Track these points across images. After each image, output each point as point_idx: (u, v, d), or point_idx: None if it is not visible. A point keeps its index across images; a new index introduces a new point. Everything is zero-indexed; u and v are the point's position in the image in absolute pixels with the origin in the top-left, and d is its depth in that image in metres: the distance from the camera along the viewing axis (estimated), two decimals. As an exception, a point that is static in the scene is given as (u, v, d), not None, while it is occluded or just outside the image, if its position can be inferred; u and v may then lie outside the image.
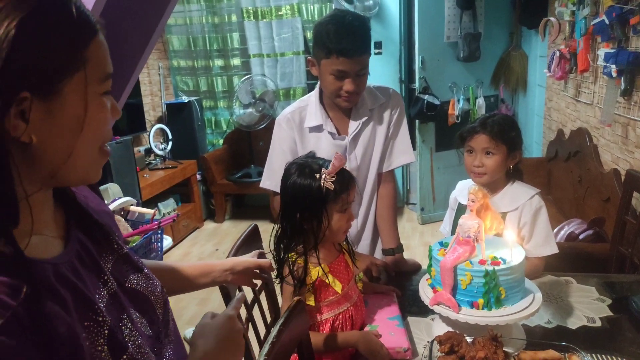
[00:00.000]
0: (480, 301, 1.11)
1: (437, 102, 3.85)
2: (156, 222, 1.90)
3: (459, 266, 1.12)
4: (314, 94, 1.63)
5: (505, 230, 1.19)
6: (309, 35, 4.43)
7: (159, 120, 4.71)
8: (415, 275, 1.60)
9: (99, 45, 0.61)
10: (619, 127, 2.16)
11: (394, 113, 1.65)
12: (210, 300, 3.04)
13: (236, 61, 4.67)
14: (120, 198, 2.00)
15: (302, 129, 1.60)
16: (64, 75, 0.57)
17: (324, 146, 1.58)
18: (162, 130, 4.48)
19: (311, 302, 1.16)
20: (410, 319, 1.34)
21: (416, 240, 3.90)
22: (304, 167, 1.15)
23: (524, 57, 4.00)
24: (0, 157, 0.53)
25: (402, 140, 1.67)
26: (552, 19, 2.92)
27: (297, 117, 1.61)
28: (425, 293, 1.21)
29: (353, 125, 1.59)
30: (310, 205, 1.13)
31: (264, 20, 4.48)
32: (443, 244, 1.24)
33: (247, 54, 4.61)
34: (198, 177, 4.46)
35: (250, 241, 1.52)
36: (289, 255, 1.16)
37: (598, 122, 2.49)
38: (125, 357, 0.63)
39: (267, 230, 1.27)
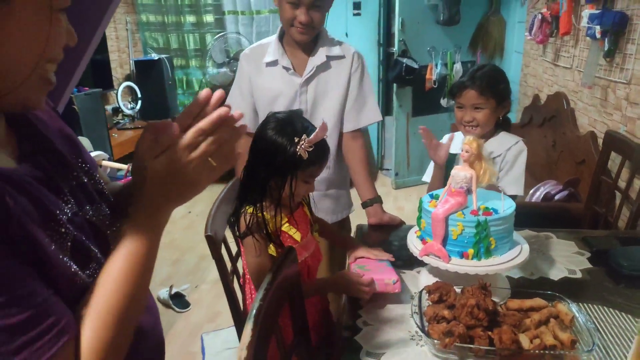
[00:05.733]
0: (471, 251, 1.11)
1: (415, 65, 3.82)
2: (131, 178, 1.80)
3: (450, 217, 1.11)
4: (277, 33, 1.64)
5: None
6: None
7: (127, 78, 4.50)
8: (396, 231, 1.59)
9: None
10: (599, 90, 2.18)
11: (355, 71, 1.62)
12: (184, 262, 2.97)
13: (209, 18, 4.47)
14: (90, 152, 1.88)
15: (259, 65, 1.61)
16: None
17: (278, 82, 1.58)
18: (130, 88, 4.29)
19: (272, 251, 1.15)
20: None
21: (390, 205, 3.93)
22: (286, 124, 1.09)
23: (502, 22, 4.00)
24: None
25: (369, 99, 1.66)
26: (534, -19, 2.89)
27: (256, 54, 1.62)
28: (415, 245, 1.20)
29: (308, 66, 1.59)
30: (279, 166, 1.08)
31: (239, -25, 4.28)
32: (434, 196, 1.22)
33: (220, 11, 4.42)
34: (169, 138, 4.30)
35: (232, 197, 1.46)
36: (247, 207, 1.14)
37: (576, 86, 2.51)
38: (93, 265, 0.62)
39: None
